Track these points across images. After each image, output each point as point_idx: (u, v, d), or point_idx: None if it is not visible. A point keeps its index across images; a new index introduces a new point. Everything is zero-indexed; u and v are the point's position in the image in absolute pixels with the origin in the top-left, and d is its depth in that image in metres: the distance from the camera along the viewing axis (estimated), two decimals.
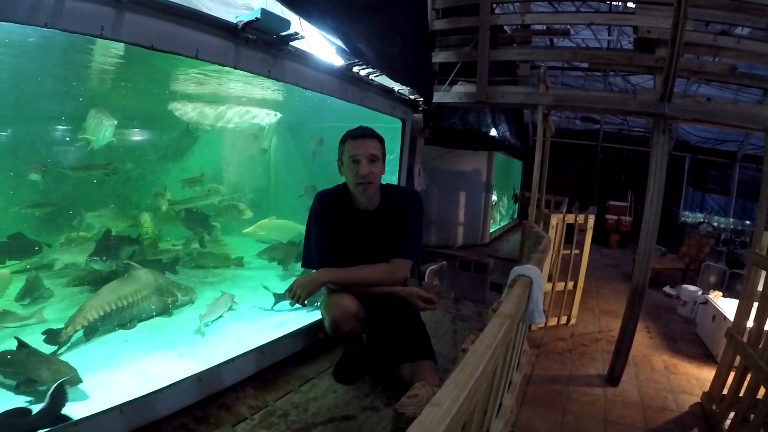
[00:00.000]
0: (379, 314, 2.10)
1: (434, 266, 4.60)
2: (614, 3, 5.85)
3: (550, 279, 4.75)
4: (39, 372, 1.79)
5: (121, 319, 2.46)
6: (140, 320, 2.58)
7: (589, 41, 8.06)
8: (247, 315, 2.82)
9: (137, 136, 4.09)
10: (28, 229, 3.19)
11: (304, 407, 1.94)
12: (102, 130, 3.03)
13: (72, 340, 2.22)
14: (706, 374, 3.84)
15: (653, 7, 3.42)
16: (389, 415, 1.84)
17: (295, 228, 4.05)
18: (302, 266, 2.16)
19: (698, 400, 3.47)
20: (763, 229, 3.42)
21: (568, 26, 5.56)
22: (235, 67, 1.92)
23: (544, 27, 4.81)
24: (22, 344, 1.89)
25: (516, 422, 3.04)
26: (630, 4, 4.46)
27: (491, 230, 6.66)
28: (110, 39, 1.46)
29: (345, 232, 2.05)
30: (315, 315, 2.57)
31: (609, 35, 8.09)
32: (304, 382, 2.15)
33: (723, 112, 3.39)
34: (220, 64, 1.88)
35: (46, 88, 2.89)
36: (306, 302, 1.91)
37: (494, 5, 3.91)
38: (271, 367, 2.22)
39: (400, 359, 2.03)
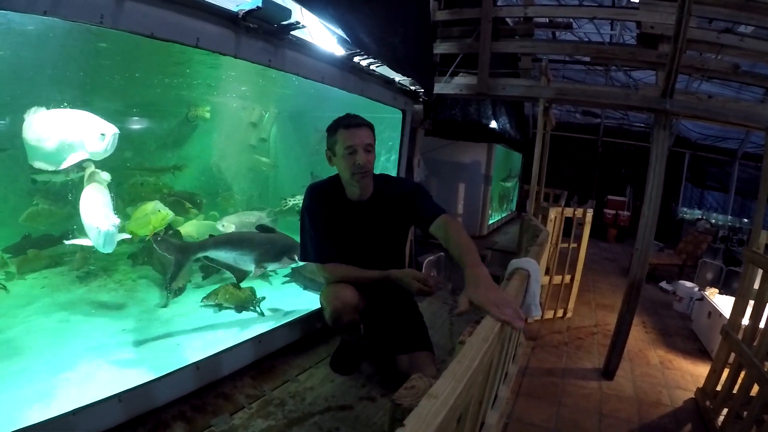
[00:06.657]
0: (377, 304, 2.10)
1: (431, 257, 4.59)
2: None
3: (547, 272, 4.76)
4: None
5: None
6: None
7: (592, 35, 8.00)
8: None
9: (136, 124, 4.06)
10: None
11: (301, 396, 1.95)
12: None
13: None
14: (700, 370, 3.87)
15: (657, 2, 3.40)
16: (386, 405, 1.86)
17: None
18: (300, 260, 2.16)
19: (692, 395, 3.49)
20: (760, 227, 3.44)
21: (571, 20, 5.53)
22: (235, 57, 1.90)
23: (547, 20, 4.78)
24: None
25: (511, 414, 3.07)
26: None
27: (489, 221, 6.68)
28: (110, 27, 1.44)
29: (339, 223, 2.04)
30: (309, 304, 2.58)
31: (612, 29, 8.01)
32: (302, 371, 2.17)
33: (724, 110, 3.38)
34: (220, 53, 1.87)
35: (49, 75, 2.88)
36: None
37: None
38: (268, 357, 2.23)
39: (398, 350, 2.04)
